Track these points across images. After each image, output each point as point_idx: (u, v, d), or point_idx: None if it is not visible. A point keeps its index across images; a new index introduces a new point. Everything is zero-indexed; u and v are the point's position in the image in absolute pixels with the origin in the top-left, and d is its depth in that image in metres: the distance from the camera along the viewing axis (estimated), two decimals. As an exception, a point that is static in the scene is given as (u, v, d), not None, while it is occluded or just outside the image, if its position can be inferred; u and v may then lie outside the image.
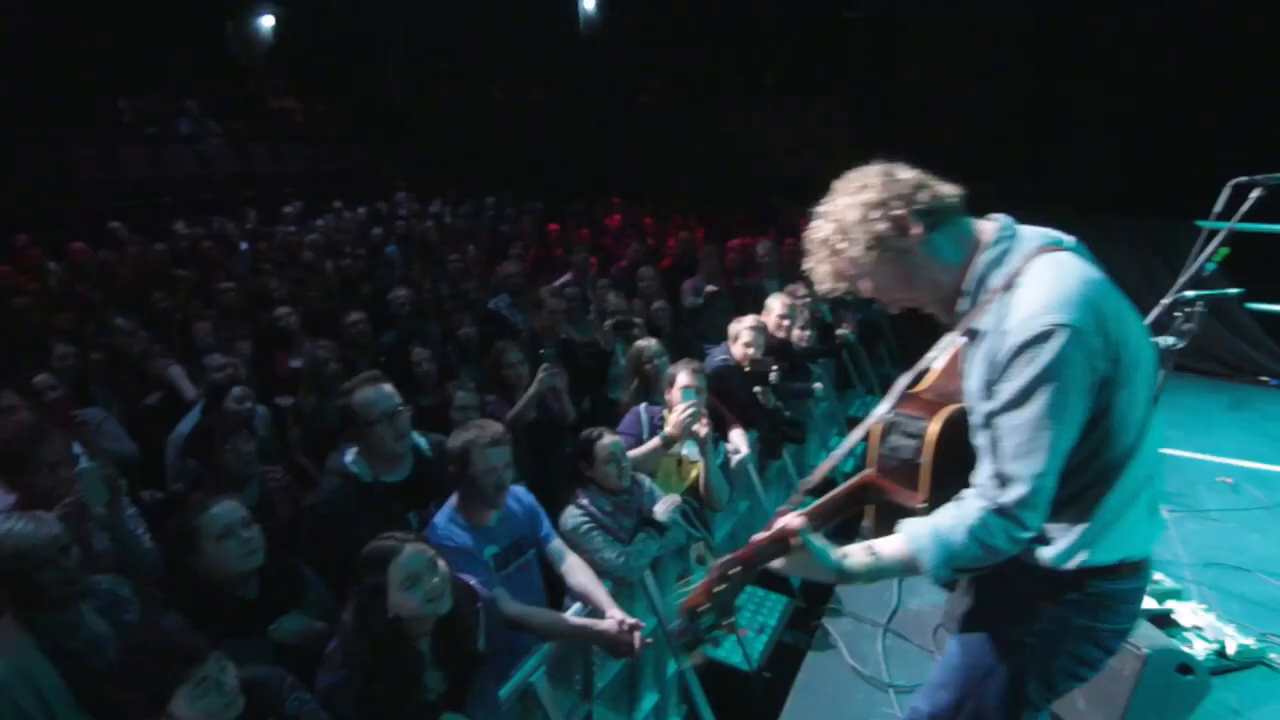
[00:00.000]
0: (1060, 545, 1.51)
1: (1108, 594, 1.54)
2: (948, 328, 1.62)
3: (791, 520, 1.59)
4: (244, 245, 7.97)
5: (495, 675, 2.23)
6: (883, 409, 1.67)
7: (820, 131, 10.54)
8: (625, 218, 10.09)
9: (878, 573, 1.54)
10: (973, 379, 1.50)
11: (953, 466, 1.55)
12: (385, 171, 13.56)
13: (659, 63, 13.05)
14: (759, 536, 1.64)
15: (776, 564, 1.63)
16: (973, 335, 1.50)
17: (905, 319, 7.26)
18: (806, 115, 10.77)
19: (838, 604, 3.45)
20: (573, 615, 2.55)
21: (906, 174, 1.51)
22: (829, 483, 1.76)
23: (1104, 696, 2.43)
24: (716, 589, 1.57)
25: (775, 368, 4.02)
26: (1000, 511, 1.42)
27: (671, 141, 11.73)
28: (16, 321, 4.92)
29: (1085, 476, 1.47)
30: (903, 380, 1.68)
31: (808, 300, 5.04)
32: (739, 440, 3.84)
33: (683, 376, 3.36)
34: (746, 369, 4.09)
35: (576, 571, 2.66)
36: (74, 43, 11.27)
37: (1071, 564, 1.51)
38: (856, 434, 1.71)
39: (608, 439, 2.93)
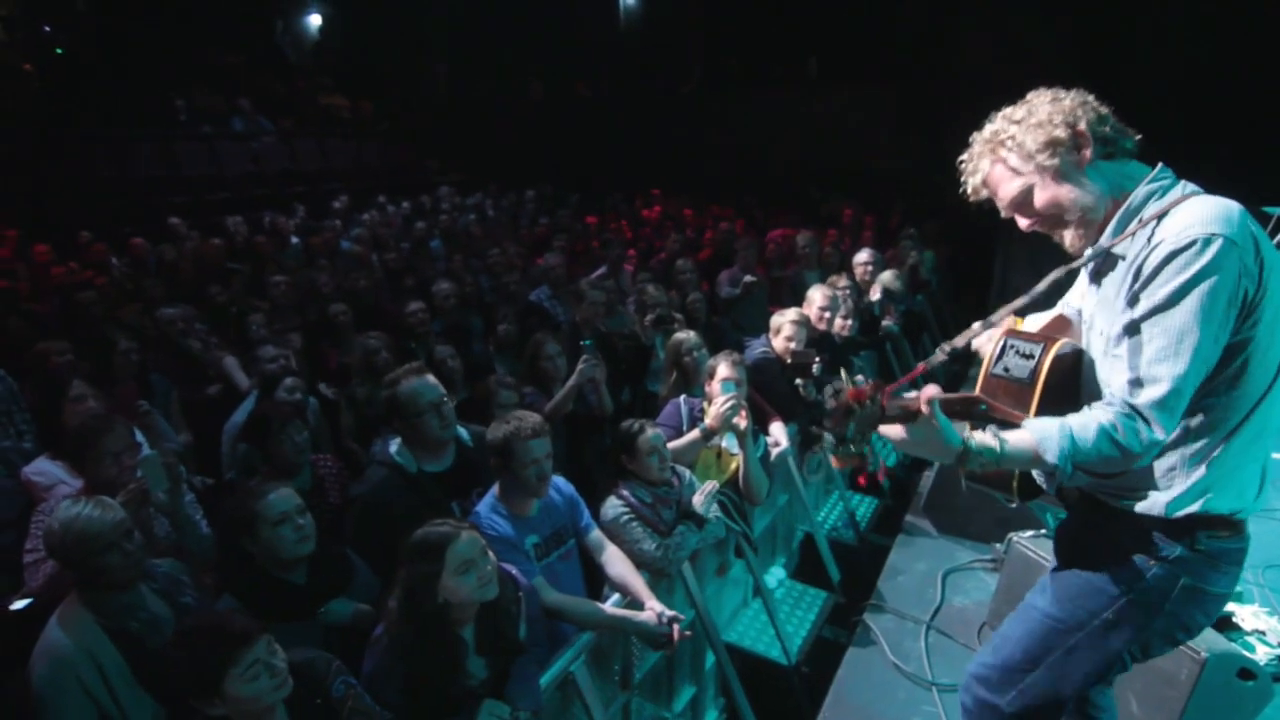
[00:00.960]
0: (1176, 489, 1.50)
1: (1215, 551, 1.52)
2: (1070, 258, 1.63)
3: (930, 388, 1.49)
4: (295, 239, 8.19)
5: (535, 663, 2.26)
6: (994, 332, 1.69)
7: (865, 119, 10.31)
8: (665, 210, 10.06)
9: (999, 458, 1.48)
10: (1109, 298, 1.52)
11: (1061, 397, 1.55)
12: (428, 166, 13.78)
13: (699, 52, 12.94)
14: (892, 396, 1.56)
15: (894, 431, 1.53)
16: (1112, 262, 1.53)
17: (948, 310, 7.14)
18: (850, 103, 10.55)
19: (879, 600, 3.41)
20: (611, 606, 2.57)
21: (1094, 103, 1.55)
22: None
23: (1159, 701, 2.35)
24: (871, 403, 1.46)
25: (817, 360, 3.98)
26: (1135, 411, 1.41)
27: (712, 132, 11.63)
28: (82, 315, 5.14)
29: (1214, 413, 1.46)
30: (1006, 309, 1.69)
31: (849, 291, 4.97)
32: (779, 433, 3.82)
33: (723, 369, 3.34)
34: (787, 362, 4.05)
35: (615, 562, 2.68)
36: (132, 45, 11.71)
37: (1186, 510, 1.49)
38: (961, 339, 1.72)
39: (649, 432, 2.94)
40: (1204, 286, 1.35)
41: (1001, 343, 1.66)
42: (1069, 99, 1.53)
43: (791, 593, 3.84)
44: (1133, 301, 1.43)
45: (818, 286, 4.57)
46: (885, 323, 5.53)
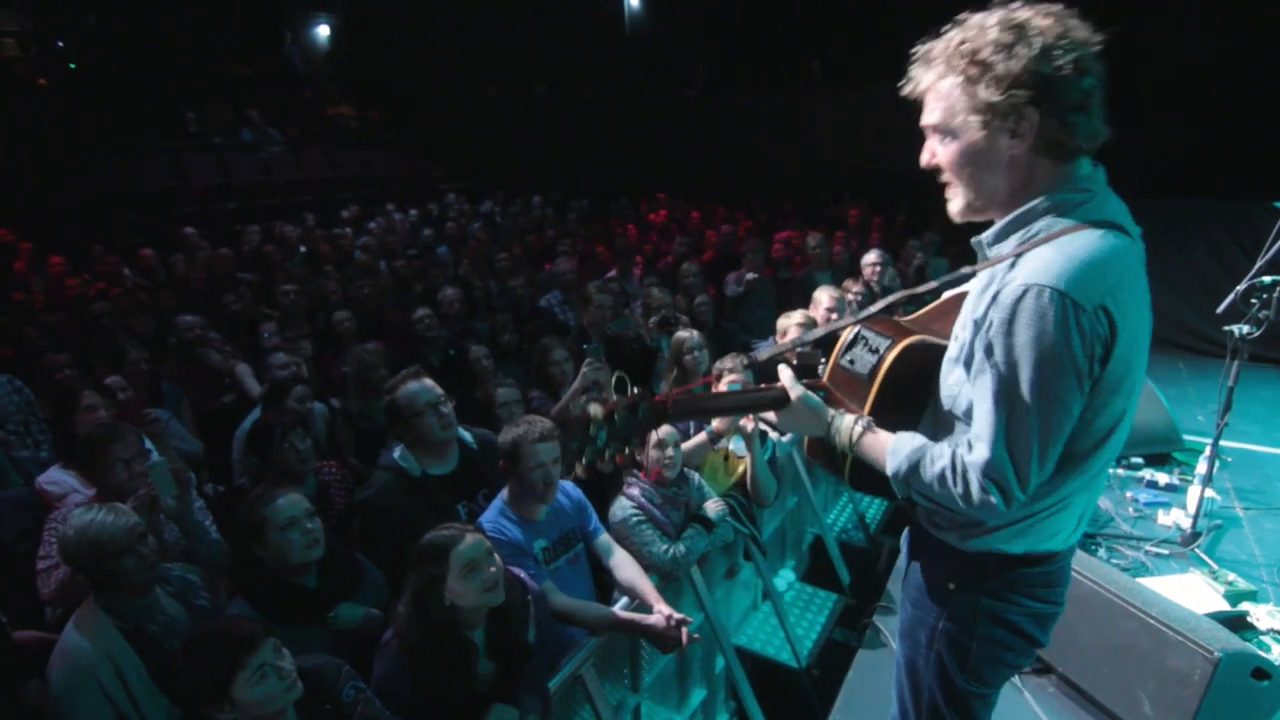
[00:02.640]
0: (982, 535, 1.42)
1: (1015, 578, 1.44)
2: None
3: (786, 371, 1.56)
4: (302, 248, 8.25)
5: (544, 667, 2.27)
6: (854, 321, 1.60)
7: (870, 121, 10.28)
8: (671, 213, 10.08)
9: (855, 445, 1.46)
10: (971, 300, 1.38)
11: (903, 395, 1.48)
12: (435, 174, 13.86)
13: (704, 56, 12.97)
14: (736, 389, 1.61)
15: (771, 415, 1.57)
16: (983, 255, 1.41)
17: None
18: (855, 104, 10.53)
19: (889, 602, 3.39)
20: (620, 609, 2.57)
21: (1086, 78, 1.26)
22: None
23: (1172, 701, 2.33)
24: (627, 412, 1.46)
25: (823, 362, 3.96)
26: (973, 467, 1.29)
27: (717, 135, 11.65)
28: (96, 326, 5.20)
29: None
30: (886, 301, 1.58)
31: (859, 294, 4.96)
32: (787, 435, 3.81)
33: (728, 374, 3.34)
34: (793, 364, 4.05)
35: (624, 566, 2.69)
36: (142, 59, 11.85)
37: (979, 550, 1.43)
38: (819, 331, 1.69)
39: (664, 427, 2.93)
40: (1039, 353, 1.21)
41: (854, 332, 1.59)
42: (1063, 61, 1.22)
43: (801, 595, 3.83)
44: (984, 345, 1.29)
45: (824, 288, 4.57)
46: (895, 319, 5.50)
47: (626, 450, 1.46)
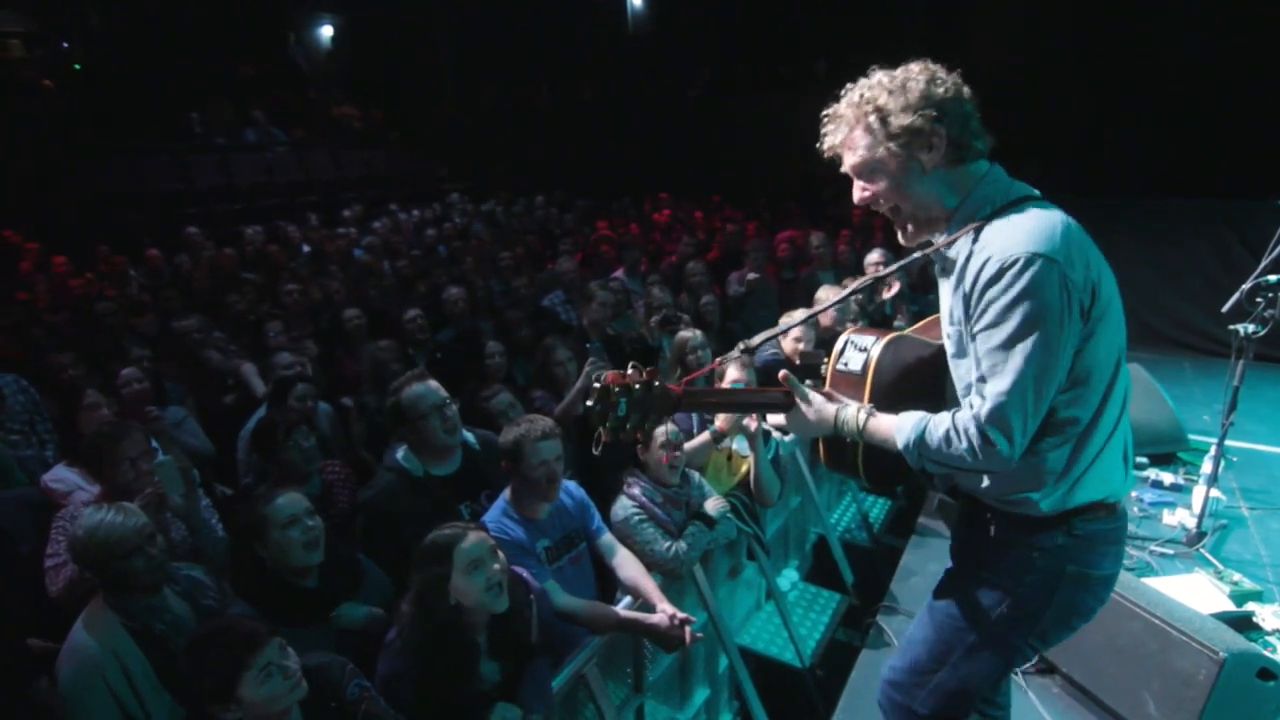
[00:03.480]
0: (1045, 491, 1.54)
1: (1093, 534, 1.57)
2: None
3: (783, 372, 1.72)
4: (305, 248, 8.27)
5: (548, 666, 2.27)
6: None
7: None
8: (674, 213, 10.08)
9: (863, 430, 1.61)
10: (947, 303, 1.57)
11: (897, 383, 1.66)
12: (439, 173, 13.88)
13: (706, 56, 12.96)
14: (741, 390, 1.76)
15: (778, 419, 1.75)
16: (944, 263, 1.58)
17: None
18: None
19: (893, 601, 3.39)
20: (623, 609, 2.57)
21: (966, 98, 1.53)
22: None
23: (1177, 702, 2.33)
24: (643, 387, 1.51)
25: (826, 361, 3.95)
26: (974, 421, 1.45)
27: (721, 135, 11.64)
28: (100, 325, 5.22)
29: (1063, 417, 1.50)
30: (846, 292, 1.98)
31: (863, 293, 4.95)
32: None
33: (732, 371, 3.34)
34: (796, 363, 4.05)
35: (627, 565, 2.69)
36: (147, 60, 11.88)
37: (1058, 508, 1.54)
38: (758, 338, 1.81)
39: (667, 425, 2.93)
40: (1028, 306, 1.38)
41: (844, 341, 1.79)
42: (945, 87, 1.49)
43: (805, 595, 3.83)
44: (967, 315, 1.49)
45: (827, 287, 4.57)
46: (897, 323, 5.50)
47: (645, 425, 1.52)
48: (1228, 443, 3.52)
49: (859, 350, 1.72)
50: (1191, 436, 4.38)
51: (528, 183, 12.04)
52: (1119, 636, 2.52)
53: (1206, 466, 3.55)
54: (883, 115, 1.49)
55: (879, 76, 1.54)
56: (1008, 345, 1.40)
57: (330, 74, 15.09)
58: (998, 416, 1.42)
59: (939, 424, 1.50)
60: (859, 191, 1.60)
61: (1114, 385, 1.52)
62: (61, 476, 2.94)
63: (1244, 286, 3.28)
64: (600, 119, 12.99)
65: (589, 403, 1.50)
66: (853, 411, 1.62)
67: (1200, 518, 3.50)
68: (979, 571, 1.67)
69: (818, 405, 1.66)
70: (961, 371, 1.57)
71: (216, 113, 11.68)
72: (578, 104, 13.62)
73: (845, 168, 1.60)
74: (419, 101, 14.95)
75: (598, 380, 1.50)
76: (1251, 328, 3.25)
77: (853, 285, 1.85)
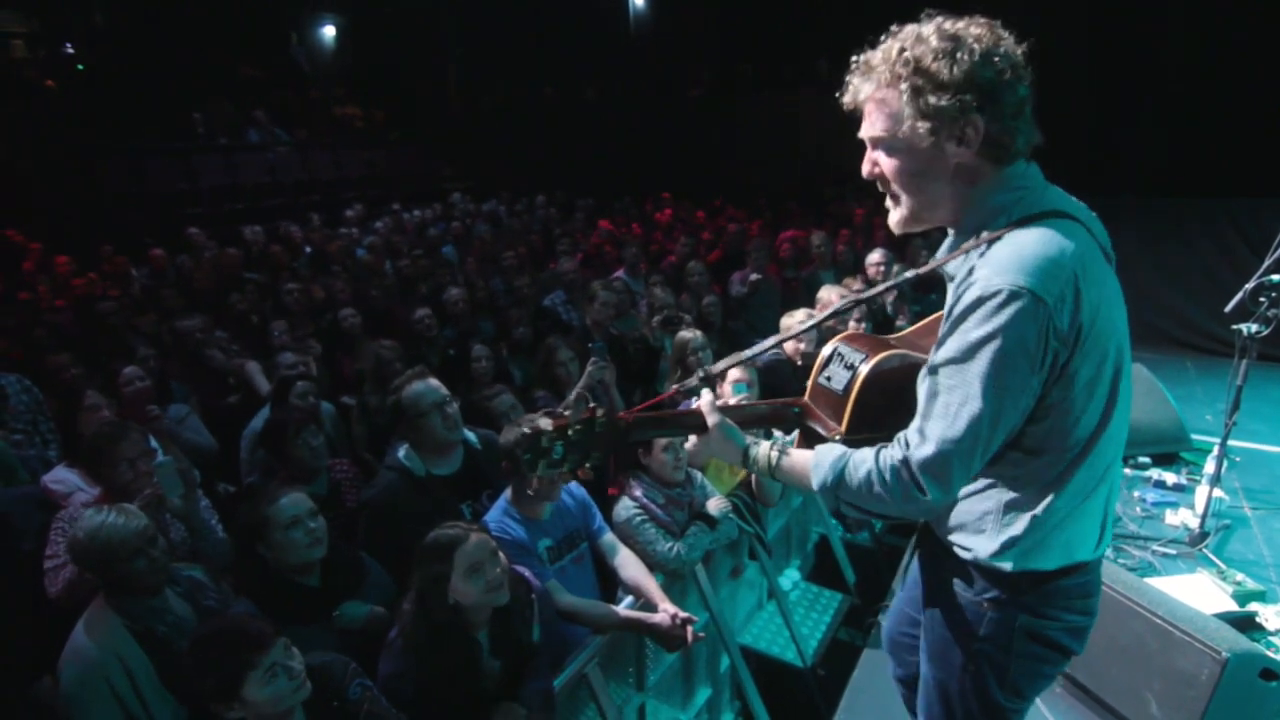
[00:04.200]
0: (996, 543, 1.39)
1: (1050, 591, 1.41)
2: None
3: (706, 396, 1.58)
4: (307, 249, 8.28)
5: (549, 665, 2.27)
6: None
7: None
8: (676, 213, 10.08)
9: (775, 470, 1.49)
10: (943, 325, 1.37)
11: (879, 408, 1.48)
12: (441, 173, 13.89)
13: (709, 56, 12.95)
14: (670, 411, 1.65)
15: (691, 440, 1.61)
16: (949, 278, 1.38)
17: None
18: (860, 103, 10.49)
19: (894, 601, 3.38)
20: (625, 608, 2.57)
21: (1024, 82, 1.28)
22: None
23: (1179, 703, 2.32)
24: (582, 426, 1.49)
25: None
26: (905, 464, 1.30)
27: (723, 134, 11.64)
28: (103, 325, 5.23)
29: (1023, 468, 1.35)
30: (833, 309, 1.67)
31: (862, 292, 4.95)
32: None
33: (734, 371, 3.33)
34: (798, 363, 4.05)
35: (628, 565, 2.69)
36: (150, 61, 11.90)
37: (1004, 566, 1.39)
38: (719, 365, 1.66)
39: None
40: (997, 347, 1.20)
41: (832, 349, 1.62)
42: (1001, 67, 1.24)
43: (806, 595, 3.83)
44: (941, 339, 1.29)
45: (829, 287, 4.56)
46: (899, 323, 5.49)
47: (587, 465, 1.48)
48: (1231, 442, 3.50)
49: (845, 367, 1.55)
50: (1194, 436, 4.36)
51: (530, 182, 12.05)
52: (1121, 636, 2.52)
53: (1209, 466, 3.54)
54: (922, 81, 1.25)
55: (932, 27, 1.27)
56: (967, 388, 1.24)
57: (333, 74, 15.11)
58: (939, 466, 1.27)
59: (860, 463, 1.35)
60: (868, 165, 1.39)
61: (1094, 444, 1.33)
62: (61, 477, 2.95)
63: (1247, 286, 3.26)
64: (602, 119, 13.00)
65: (521, 452, 1.48)
66: (764, 450, 1.51)
67: (1203, 518, 3.48)
68: (941, 625, 1.54)
69: (729, 436, 1.53)
70: (921, 389, 1.40)
71: (220, 113, 11.70)
72: (580, 104, 13.62)
73: (862, 132, 1.38)
74: (421, 101, 14.98)
75: (527, 428, 1.48)
76: (1255, 327, 3.23)
77: (852, 297, 1.67)
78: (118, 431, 2.70)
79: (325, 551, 2.32)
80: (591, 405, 1.49)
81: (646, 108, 12.71)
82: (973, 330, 1.22)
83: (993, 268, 1.22)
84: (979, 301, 1.21)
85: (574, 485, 2.74)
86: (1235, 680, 2.23)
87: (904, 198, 1.37)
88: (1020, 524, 1.37)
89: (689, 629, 2.47)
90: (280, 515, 2.24)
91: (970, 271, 1.27)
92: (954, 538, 1.46)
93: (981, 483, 1.40)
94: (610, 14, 13.37)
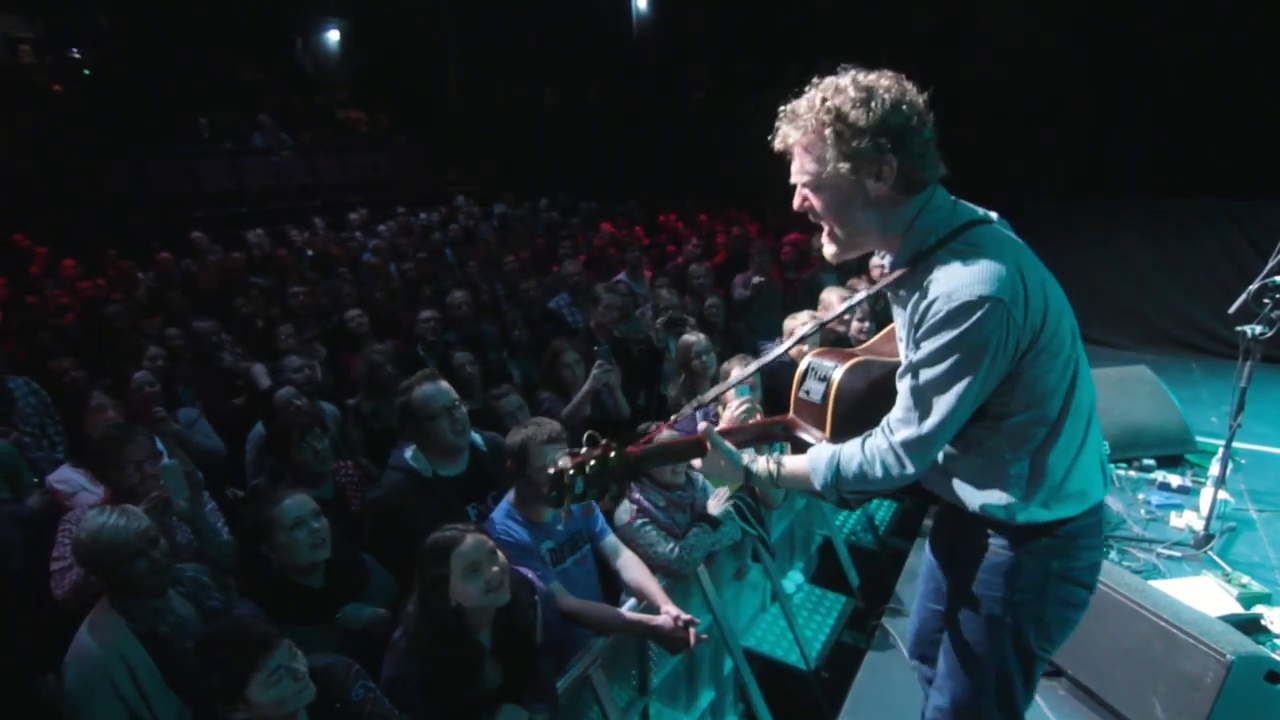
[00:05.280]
0: (1025, 500, 1.57)
1: (1073, 531, 1.60)
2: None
3: (702, 425, 1.79)
4: (309, 252, 8.31)
5: (552, 667, 2.27)
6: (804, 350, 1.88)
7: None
8: (680, 215, 10.08)
9: (778, 480, 1.70)
10: (901, 328, 1.59)
11: (856, 411, 1.67)
12: (445, 176, 13.93)
13: (711, 57, 12.96)
14: (670, 436, 1.86)
15: (696, 463, 1.80)
16: (895, 294, 1.59)
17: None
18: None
19: (898, 604, 3.38)
20: (628, 610, 2.57)
21: (928, 125, 1.48)
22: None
23: (1184, 705, 2.31)
24: (597, 463, 1.63)
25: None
26: (892, 448, 1.52)
27: (726, 136, 11.63)
28: (109, 328, 5.25)
29: (1024, 433, 1.53)
30: (797, 337, 2.02)
31: (866, 294, 4.95)
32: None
33: (736, 372, 3.34)
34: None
35: (631, 567, 2.69)
36: (155, 65, 11.97)
37: (1032, 520, 1.57)
38: (711, 394, 1.91)
39: (665, 434, 2.94)
40: (968, 351, 1.41)
41: (805, 366, 1.78)
42: (908, 114, 1.45)
43: (810, 597, 3.82)
44: (913, 346, 1.50)
45: (832, 289, 4.56)
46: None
47: (607, 496, 1.61)
48: (1235, 444, 3.50)
49: (819, 379, 1.72)
50: (1199, 438, 4.35)
51: (533, 185, 12.06)
52: (1125, 639, 2.51)
53: (1214, 468, 3.53)
54: (841, 127, 1.44)
55: (848, 79, 1.47)
56: (943, 383, 1.45)
57: (337, 78, 15.17)
58: (925, 444, 1.50)
59: (850, 457, 1.57)
60: (799, 200, 1.58)
61: (1072, 398, 1.54)
62: (66, 477, 2.97)
63: (1251, 287, 3.26)
64: (604, 121, 13.01)
65: (548, 491, 1.62)
66: (763, 464, 1.69)
67: (1208, 520, 3.47)
68: (973, 586, 1.68)
69: (728, 455, 1.71)
70: (900, 384, 1.59)
71: (224, 117, 11.75)
72: (581, 106, 13.64)
73: (793, 175, 1.57)
74: (424, 105, 15.01)
75: (551, 467, 1.63)
76: (1259, 329, 3.23)
77: (847, 303, 1.93)
78: (125, 434, 2.72)
79: (329, 553, 2.33)
80: (604, 442, 1.63)
81: (648, 109, 12.72)
82: (946, 334, 1.42)
83: (951, 282, 1.42)
84: (950, 315, 1.41)
85: (576, 488, 2.75)
86: (1240, 683, 2.23)
87: (835, 230, 1.57)
88: (1038, 479, 1.55)
89: (691, 631, 2.47)
90: (284, 516, 2.25)
91: (927, 288, 1.46)
92: (984, 503, 1.60)
93: (989, 458, 1.58)
94: (612, 16, 13.40)
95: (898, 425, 1.53)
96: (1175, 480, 4.01)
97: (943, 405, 1.47)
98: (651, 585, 2.62)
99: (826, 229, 1.59)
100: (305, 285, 6.08)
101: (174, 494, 2.53)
